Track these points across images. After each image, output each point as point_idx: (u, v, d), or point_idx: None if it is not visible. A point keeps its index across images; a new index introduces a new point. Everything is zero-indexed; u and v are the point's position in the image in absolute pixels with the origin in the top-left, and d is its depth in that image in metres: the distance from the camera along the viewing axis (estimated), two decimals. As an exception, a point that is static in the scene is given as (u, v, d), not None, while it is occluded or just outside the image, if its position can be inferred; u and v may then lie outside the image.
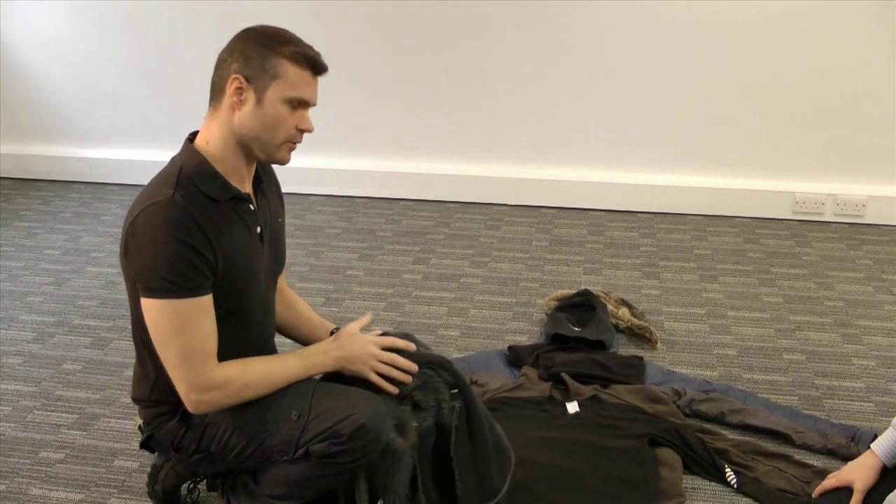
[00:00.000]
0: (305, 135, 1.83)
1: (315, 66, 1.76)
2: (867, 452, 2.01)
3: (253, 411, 1.78)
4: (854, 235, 3.99)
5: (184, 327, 1.68)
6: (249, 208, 1.84)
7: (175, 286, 1.65)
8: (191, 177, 1.72)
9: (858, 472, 1.98)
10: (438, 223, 4.18)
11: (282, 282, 2.12)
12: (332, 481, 1.77)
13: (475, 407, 1.93)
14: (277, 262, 1.99)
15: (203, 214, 1.70)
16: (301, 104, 1.76)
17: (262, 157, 1.80)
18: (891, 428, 1.99)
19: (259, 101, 1.72)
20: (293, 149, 1.82)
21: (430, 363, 1.90)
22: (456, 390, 1.90)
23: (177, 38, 4.38)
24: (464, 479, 1.90)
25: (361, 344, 1.86)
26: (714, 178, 4.22)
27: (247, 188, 1.85)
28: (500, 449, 1.99)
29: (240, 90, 1.72)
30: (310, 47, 1.76)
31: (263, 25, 1.77)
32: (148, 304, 1.69)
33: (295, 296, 2.17)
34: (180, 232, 1.64)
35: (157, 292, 1.66)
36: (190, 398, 1.72)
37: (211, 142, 1.77)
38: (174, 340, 1.69)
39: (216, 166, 1.76)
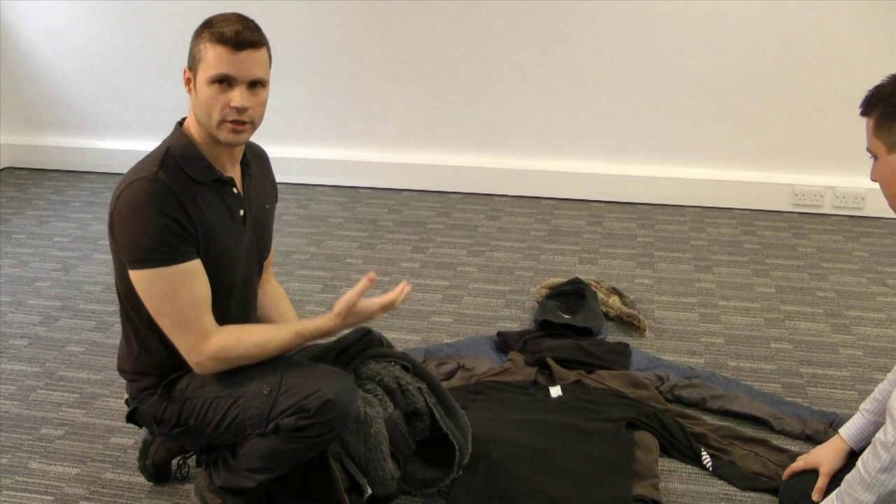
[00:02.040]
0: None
1: (230, 41, 1.75)
2: (835, 437, 2.06)
3: (228, 386, 1.86)
4: (853, 228, 4.01)
5: (174, 294, 1.77)
6: (233, 191, 1.92)
7: (161, 255, 1.74)
8: (176, 158, 1.82)
9: (826, 456, 2.02)
10: (439, 213, 4.24)
11: (268, 274, 2.19)
12: (304, 455, 1.85)
13: (436, 382, 2.10)
14: (261, 247, 2.07)
15: (184, 192, 1.79)
16: (227, 81, 1.77)
17: (219, 139, 1.83)
18: (858, 413, 2.03)
19: (195, 87, 1.80)
20: (237, 129, 1.80)
21: (389, 357, 2.08)
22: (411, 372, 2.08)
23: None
24: (457, 440, 2.05)
25: (363, 319, 1.90)
26: (714, 170, 4.25)
27: (230, 172, 1.93)
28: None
29: (188, 81, 1.82)
30: (233, 23, 1.77)
31: (214, 14, 1.82)
32: (137, 276, 1.78)
33: (277, 292, 2.24)
34: (161, 204, 1.74)
35: (144, 263, 1.75)
36: (191, 360, 1.83)
37: (191, 128, 1.88)
38: (167, 308, 1.78)
39: (201, 150, 1.85)
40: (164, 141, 1.89)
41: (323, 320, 1.89)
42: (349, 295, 1.86)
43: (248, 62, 1.77)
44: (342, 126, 4.53)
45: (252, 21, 1.82)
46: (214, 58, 1.75)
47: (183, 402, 1.89)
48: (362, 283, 1.86)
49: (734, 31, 3.96)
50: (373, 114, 4.49)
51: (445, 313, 3.20)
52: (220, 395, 1.85)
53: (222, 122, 1.80)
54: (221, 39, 1.75)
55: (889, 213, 4.09)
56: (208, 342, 1.80)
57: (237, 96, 1.77)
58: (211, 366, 1.83)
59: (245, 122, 1.80)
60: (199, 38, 1.79)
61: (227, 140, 1.82)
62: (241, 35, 1.75)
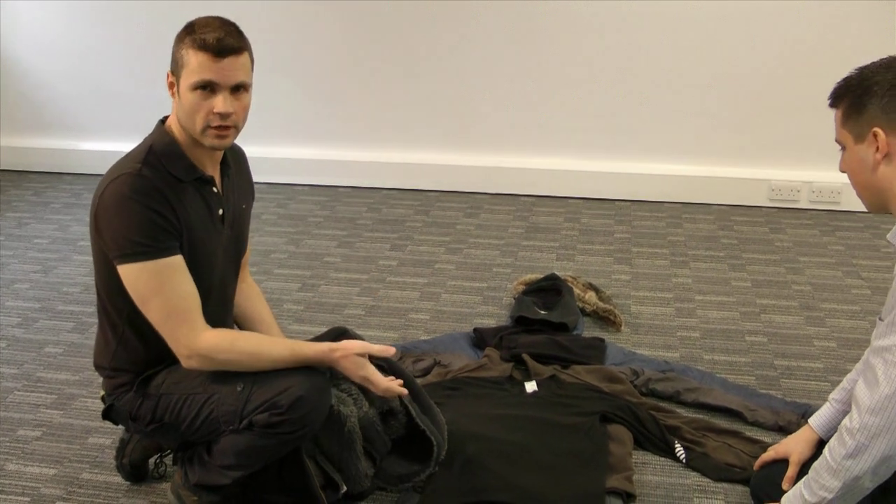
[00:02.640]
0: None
1: (211, 48, 1.75)
2: (805, 427, 2.08)
3: (202, 383, 1.87)
4: (829, 222, 4.05)
5: (161, 288, 1.78)
6: (213, 190, 1.94)
7: (147, 248, 1.76)
8: (159, 156, 1.83)
9: (795, 446, 2.05)
10: (418, 211, 4.26)
11: (244, 273, 2.20)
12: (277, 452, 1.86)
13: (411, 380, 2.08)
14: (238, 247, 2.08)
15: (168, 189, 1.81)
16: (210, 87, 1.78)
17: (203, 144, 1.85)
18: (828, 403, 2.06)
19: (179, 92, 1.81)
20: (221, 134, 1.82)
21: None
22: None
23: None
24: (434, 436, 2.06)
25: (356, 369, 1.90)
26: (691, 166, 4.29)
27: (211, 171, 1.94)
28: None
29: (171, 85, 1.83)
30: (215, 29, 1.77)
31: (197, 18, 1.83)
32: (125, 270, 1.79)
33: (252, 291, 2.23)
34: (146, 199, 1.76)
35: (131, 257, 1.76)
36: (180, 353, 1.83)
37: (173, 127, 1.89)
38: (154, 301, 1.79)
39: (184, 149, 1.86)
40: (146, 138, 1.90)
41: (321, 350, 1.88)
42: (361, 345, 1.89)
43: (231, 68, 1.78)
44: (321, 126, 4.54)
45: (233, 25, 1.82)
46: (197, 64, 1.76)
47: (158, 398, 1.90)
48: (380, 348, 1.91)
49: (710, 30, 3.99)
50: (351, 113, 4.50)
51: (423, 311, 3.22)
52: (195, 391, 1.86)
53: (206, 127, 1.80)
54: (203, 46, 1.75)
55: (864, 207, 4.12)
56: (199, 338, 1.80)
57: (220, 102, 1.77)
58: (198, 362, 1.82)
59: (229, 126, 1.81)
60: (181, 43, 1.79)
61: (211, 145, 1.83)
62: (223, 41, 1.75)
